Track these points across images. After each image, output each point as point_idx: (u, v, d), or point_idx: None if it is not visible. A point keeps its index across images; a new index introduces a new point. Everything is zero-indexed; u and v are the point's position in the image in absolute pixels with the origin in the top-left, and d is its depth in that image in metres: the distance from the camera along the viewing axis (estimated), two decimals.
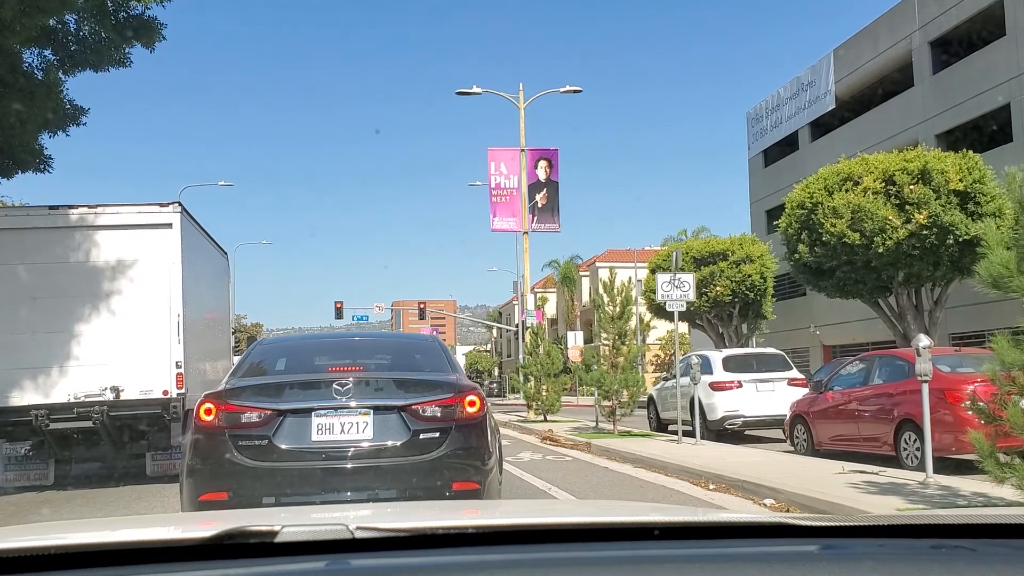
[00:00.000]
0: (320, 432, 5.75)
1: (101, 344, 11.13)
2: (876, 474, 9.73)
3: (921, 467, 9.94)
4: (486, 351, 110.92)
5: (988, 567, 1.33)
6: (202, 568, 1.35)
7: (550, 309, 78.88)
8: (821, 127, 36.72)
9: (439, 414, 5.87)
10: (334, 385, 5.85)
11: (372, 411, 5.82)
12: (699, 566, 1.33)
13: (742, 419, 16.90)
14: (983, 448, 6.57)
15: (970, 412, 8.66)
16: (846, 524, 1.53)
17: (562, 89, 30.99)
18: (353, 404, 5.80)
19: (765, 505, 8.62)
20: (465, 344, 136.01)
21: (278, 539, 1.41)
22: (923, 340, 8.86)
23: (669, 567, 1.33)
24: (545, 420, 24.26)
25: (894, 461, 11.33)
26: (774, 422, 16.30)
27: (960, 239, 20.36)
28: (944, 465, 10.10)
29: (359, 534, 1.42)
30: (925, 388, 8.79)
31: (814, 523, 1.52)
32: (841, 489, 8.62)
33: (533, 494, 10.07)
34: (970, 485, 8.63)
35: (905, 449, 11.32)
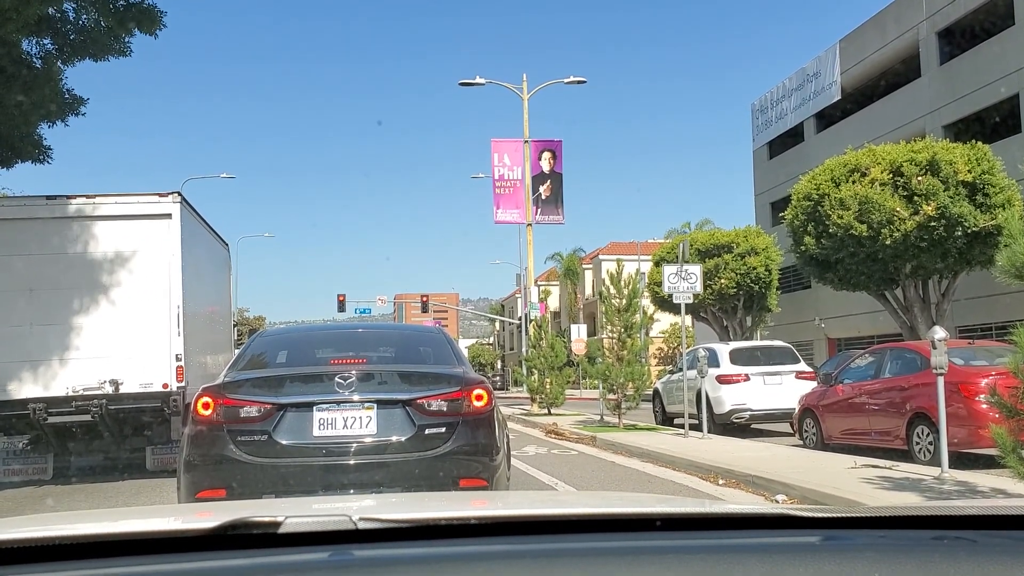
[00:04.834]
0: (322, 427, 5.57)
1: (100, 337, 10.98)
2: (890, 469, 9.55)
3: (934, 462, 9.78)
4: (488, 344, 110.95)
5: (989, 558, 1.33)
6: (205, 559, 1.33)
7: (553, 302, 78.78)
8: (826, 118, 36.51)
9: (445, 408, 5.69)
10: (336, 378, 5.68)
11: (376, 405, 5.65)
12: (701, 557, 1.33)
13: (749, 412, 16.75)
14: (1005, 443, 6.38)
15: (986, 406, 8.52)
16: (848, 516, 1.55)
17: (566, 80, 30.79)
18: (356, 398, 5.63)
19: (777, 501, 8.44)
20: (468, 337, 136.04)
21: (281, 530, 1.39)
22: (939, 332, 8.66)
23: (671, 558, 1.33)
24: (549, 413, 24.11)
25: (906, 455, 11.17)
26: (782, 415, 16.14)
27: (969, 231, 20.19)
28: (958, 460, 9.92)
29: (362, 525, 1.41)
30: (940, 381, 8.60)
31: (816, 515, 1.52)
32: (855, 485, 8.45)
33: (539, 489, 9.91)
34: (987, 480, 8.46)
35: (918, 443, 11.15)
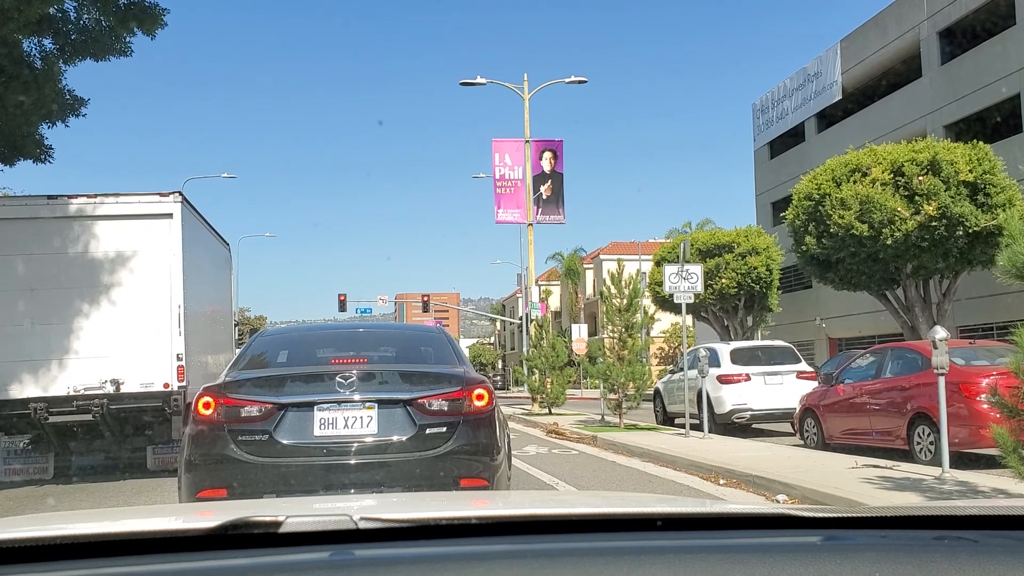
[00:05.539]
0: (323, 427, 5.57)
1: (101, 336, 10.98)
2: (890, 469, 9.55)
3: (935, 462, 9.78)
4: (489, 344, 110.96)
5: (990, 558, 1.33)
6: (205, 559, 1.33)
7: (554, 302, 78.79)
8: (828, 118, 36.49)
9: (446, 408, 5.69)
10: (337, 378, 5.67)
11: (377, 405, 5.64)
12: (702, 557, 1.32)
13: (750, 412, 16.74)
14: (1006, 443, 6.37)
15: (987, 406, 8.51)
16: (849, 516, 1.55)
17: (567, 80, 30.80)
18: (357, 397, 5.63)
19: (778, 501, 8.44)
20: (469, 337, 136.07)
21: (282, 530, 1.39)
22: (940, 332, 8.65)
23: (671, 558, 1.32)
24: (550, 413, 24.12)
25: (907, 455, 11.17)
26: (783, 415, 16.14)
27: (970, 231, 20.17)
28: (959, 460, 9.92)
29: (363, 524, 1.41)
30: (942, 381, 8.59)
31: (817, 515, 1.52)
32: (856, 484, 8.44)
33: (540, 489, 9.91)
34: (988, 480, 8.46)
35: (919, 443, 11.14)
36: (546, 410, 24.85)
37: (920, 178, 20.56)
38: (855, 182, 21.34)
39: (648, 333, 39.29)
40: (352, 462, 5.53)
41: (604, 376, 17.93)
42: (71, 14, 14.82)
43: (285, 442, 5.51)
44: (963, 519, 1.56)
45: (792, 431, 14.99)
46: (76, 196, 11.28)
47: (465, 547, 1.39)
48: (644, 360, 21.73)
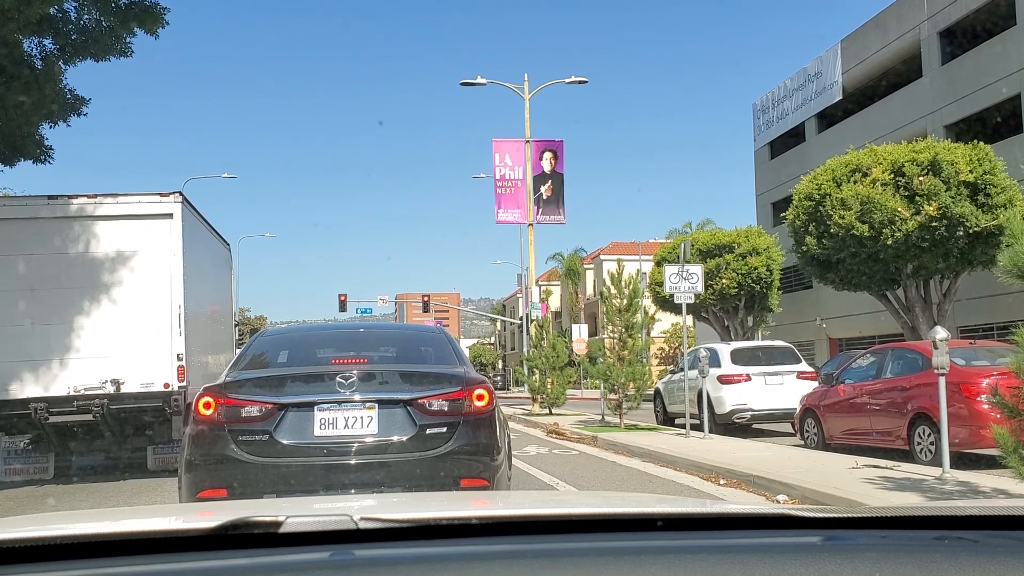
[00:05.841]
0: (323, 427, 5.57)
1: (101, 336, 10.98)
2: (891, 469, 9.55)
3: (935, 462, 9.78)
4: (490, 344, 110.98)
5: (990, 558, 1.33)
6: (205, 559, 1.33)
7: (554, 302, 78.81)
8: (828, 118, 36.50)
9: (446, 408, 5.69)
10: (337, 378, 5.67)
11: (377, 405, 5.65)
12: (702, 557, 1.32)
13: (751, 412, 16.74)
14: (1006, 443, 6.37)
15: (988, 406, 8.51)
16: (849, 516, 1.55)
17: (568, 80, 30.81)
18: (357, 398, 5.63)
19: (778, 501, 8.44)
20: (469, 337, 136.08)
21: (282, 530, 1.39)
22: (940, 332, 8.65)
23: (671, 558, 1.32)
24: (550, 413, 24.12)
25: (907, 456, 11.17)
26: (783, 415, 16.14)
27: (970, 231, 20.17)
28: (959, 460, 9.92)
29: (363, 525, 1.41)
30: (942, 382, 8.59)
31: (817, 515, 1.52)
32: (857, 485, 8.44)
33: (540, 489, 9.91)
34: (988, 481, 8.45)
35: (919, 443, 11.14)
36: (546, 410, 24.85)
37: (920, 178, 20.56)
38: (855, 182, 21.35)
39: (648, 333, 39.32)
40: (352, 462, 5.54)
41: (604, 376, 17.92)
42: (71, 14, 14.82)
43: (285, 442, 5.51)
44: (963, 519, 1.56)
45: (792, 431, 14.99)
46: (76, 196, 11.29)
47: (465, 547, 1.38)
48: (644, 360, 21.73)
